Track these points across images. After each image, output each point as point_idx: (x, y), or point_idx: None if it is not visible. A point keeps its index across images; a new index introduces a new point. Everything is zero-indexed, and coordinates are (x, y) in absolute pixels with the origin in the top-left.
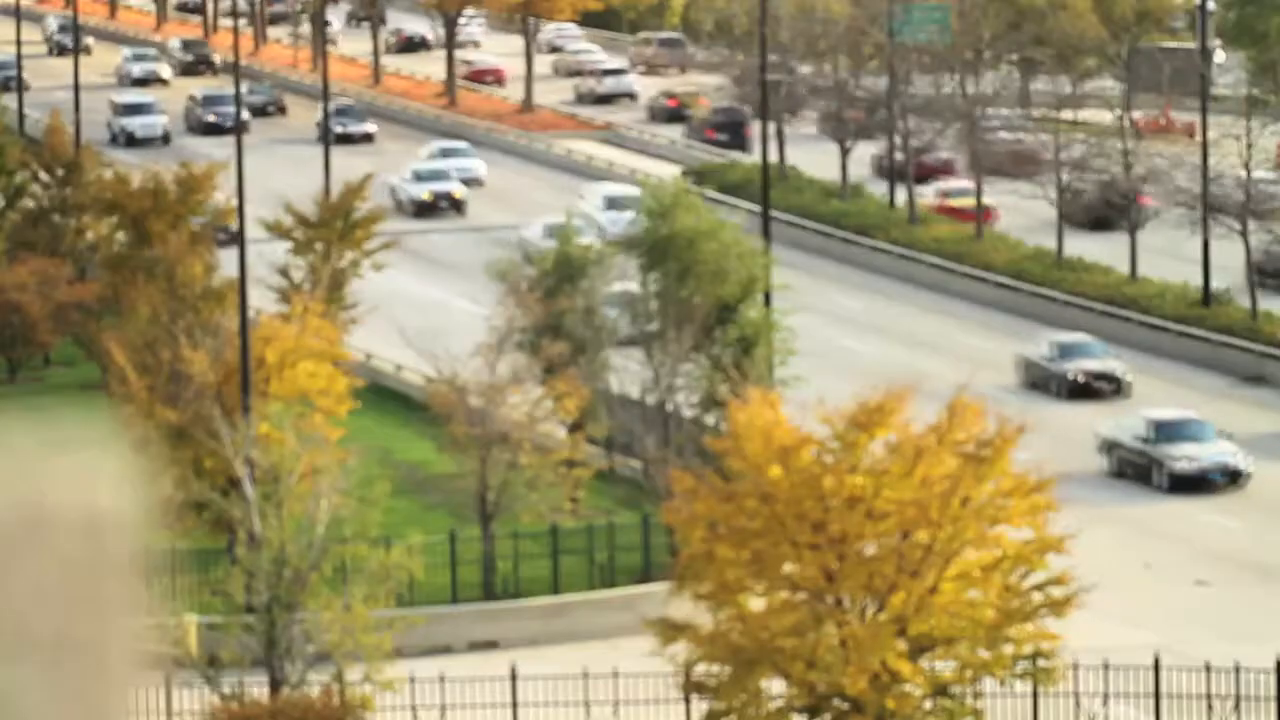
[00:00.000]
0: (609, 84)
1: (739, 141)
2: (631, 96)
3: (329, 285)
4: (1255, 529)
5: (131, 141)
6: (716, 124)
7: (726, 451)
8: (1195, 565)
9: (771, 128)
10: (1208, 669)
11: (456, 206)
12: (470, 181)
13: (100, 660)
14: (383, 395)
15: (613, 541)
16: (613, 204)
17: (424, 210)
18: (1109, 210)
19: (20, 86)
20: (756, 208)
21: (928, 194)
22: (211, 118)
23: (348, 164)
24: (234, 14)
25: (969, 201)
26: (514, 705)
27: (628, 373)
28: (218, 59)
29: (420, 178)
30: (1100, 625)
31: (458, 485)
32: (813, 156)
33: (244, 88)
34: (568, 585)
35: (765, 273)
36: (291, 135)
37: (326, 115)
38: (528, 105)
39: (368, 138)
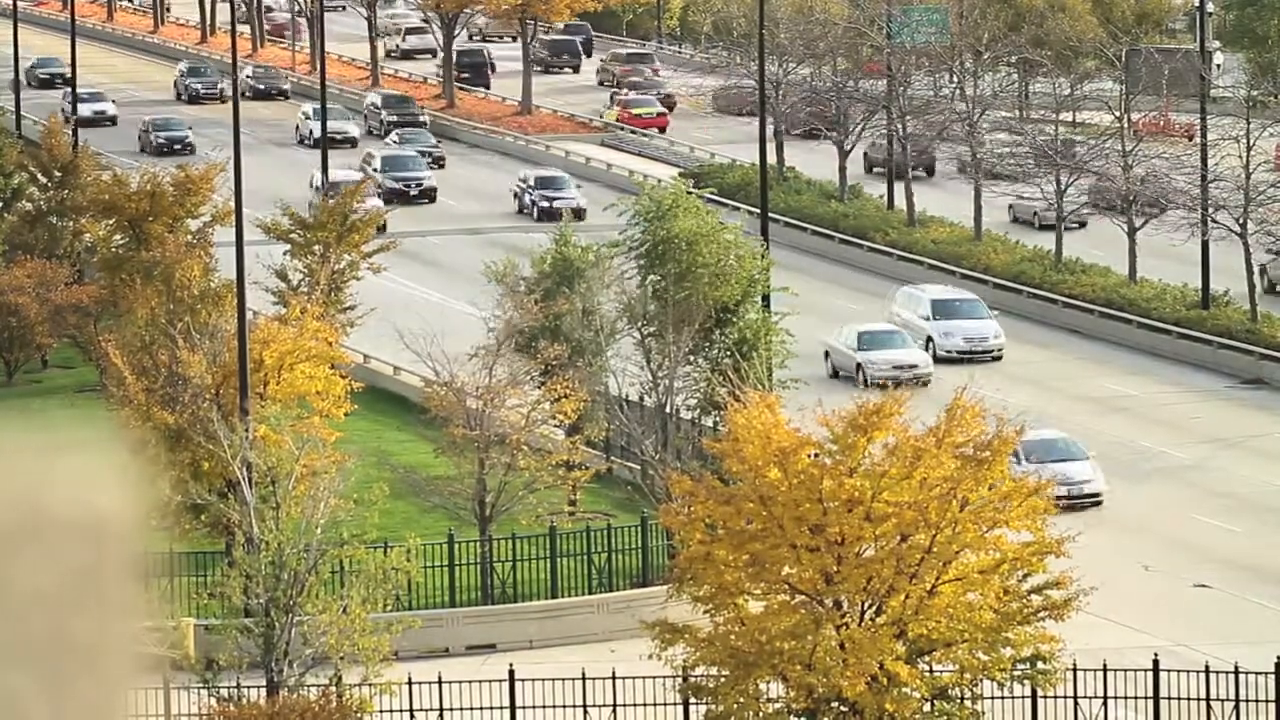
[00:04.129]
0: (412, 41)
1: (481, 80)
2: (432, 53)
3: (327, 287)
4: None
5: None
6: (461, 64)
7: (725, 454)
8: None
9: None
10: (1207, 671)
11: None
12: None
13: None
14: (381, 398)
15: (611, 544)
16: (940, 311)
17: None
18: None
19: (189, 147)
20: (755, 209)
21: (615, 107)
22: (390, 183)
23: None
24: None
25: (647, 110)
26: (512, 708)
27: (626, 375)
28: (426, 118)
29: None
30: (1099, 627)
31: (456, 488)
32: (812, 157)
33: (397, 137)
34: (566, 588)
35: (764, 275)
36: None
37: (324, 112)
38: (526, 108)
39: (577, 214)
